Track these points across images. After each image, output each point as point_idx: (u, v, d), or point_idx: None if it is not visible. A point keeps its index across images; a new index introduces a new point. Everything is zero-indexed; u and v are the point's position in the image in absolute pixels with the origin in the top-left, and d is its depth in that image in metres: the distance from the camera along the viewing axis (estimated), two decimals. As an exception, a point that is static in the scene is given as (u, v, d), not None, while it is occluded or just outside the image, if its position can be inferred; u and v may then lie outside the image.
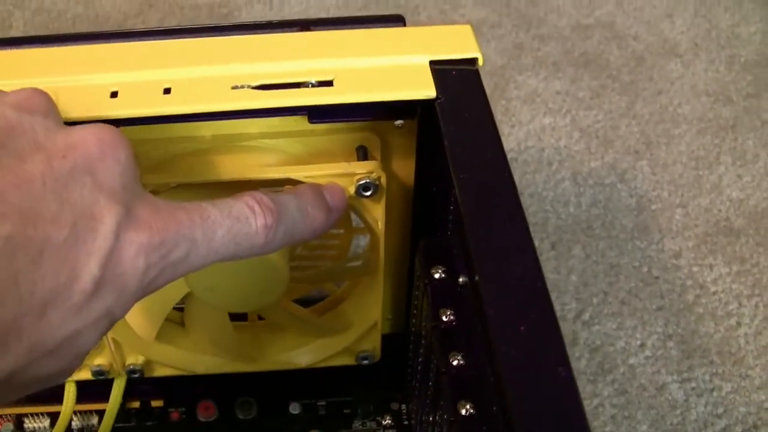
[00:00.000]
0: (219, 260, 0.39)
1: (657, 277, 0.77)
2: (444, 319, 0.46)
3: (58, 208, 0.33)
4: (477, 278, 0.37)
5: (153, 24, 1.04)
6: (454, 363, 0.44)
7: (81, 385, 0.60)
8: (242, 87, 0.45)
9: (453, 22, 1.00)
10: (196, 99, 0.45)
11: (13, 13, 1.07)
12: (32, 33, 1.05)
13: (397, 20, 0.52)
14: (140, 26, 1.04)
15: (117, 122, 0.45)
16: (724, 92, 0.97)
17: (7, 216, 0.31)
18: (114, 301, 0.34)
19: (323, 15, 1.02)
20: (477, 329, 0.43)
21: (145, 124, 0.45)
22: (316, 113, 0.46)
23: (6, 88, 0.38)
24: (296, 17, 1.03)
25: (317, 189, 0.45)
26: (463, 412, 0.42)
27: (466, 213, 0.39)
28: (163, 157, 0.50)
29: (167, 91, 0.45)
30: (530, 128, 0.90)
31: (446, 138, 0.43)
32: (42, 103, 0.37)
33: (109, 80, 0.46)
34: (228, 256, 0.39)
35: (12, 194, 0.32)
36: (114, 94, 0.45)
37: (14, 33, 1.05)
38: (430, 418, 0.52)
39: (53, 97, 0.39)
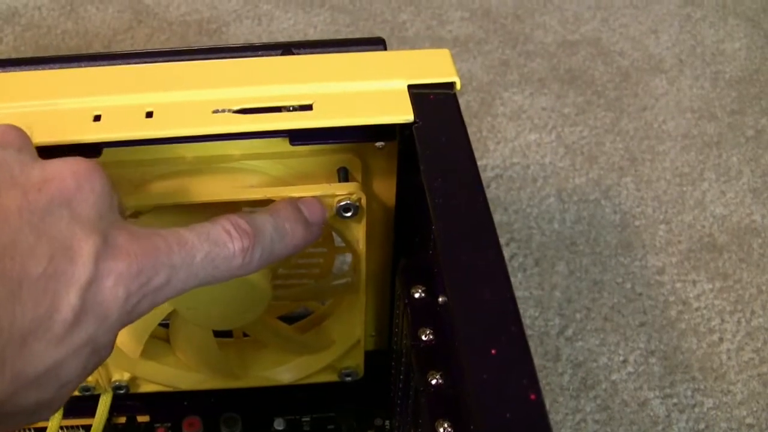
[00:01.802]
0: (199, 284, 0.40)
1: (640, 294, 0.77)
2: (423, 338, 0.47)
3: (36, 240, 0.33)
4: (449, 300, 0.37)
5: (142, 40, 1.05)
6: (433, 382, 0.45)
7: (68, 400, 0.60)
8: (223, 111, 0.46)
9: (440, 38, 1.01)
10: (177, 123, 0.45)
11: (2, 29, 1.08)
12: (22, 48, 1.05)
13: (377, 43, 0.52)
14: (129, 42, 1.05)
15: (100, 145, 0.46)
16: (709, 108, 0.98)
17: None
18: (95, 330, 0.34)
19: (311, 31, 1.03)
20: (453, 350, 0.44)
21: (128, 146, 0.46)
22: (297, 136, 0.47)
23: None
24: (284, 33, 1.04)
25: (293, 204, 0.45)
26: (441, 430, 0.42)
27: (440, 236, 0.40)
28: (144, 179, 0.50)
29: (149, 114, 0.46)
30: (515, 144, 0.91)
31: (422, 162, 0.43)
32: (16, 139, 0.37)
33: (92, 104, 0.46)
34: (207, 280, 0.40)
35: None
36: (97, 118, 0.46)
37: (3, 48, 1.05)
38: None
39: (37, 120, 0.40)
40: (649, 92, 1.00)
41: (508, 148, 0.90)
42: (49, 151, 0.45)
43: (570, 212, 0.84)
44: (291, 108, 0.47)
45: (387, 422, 0.64)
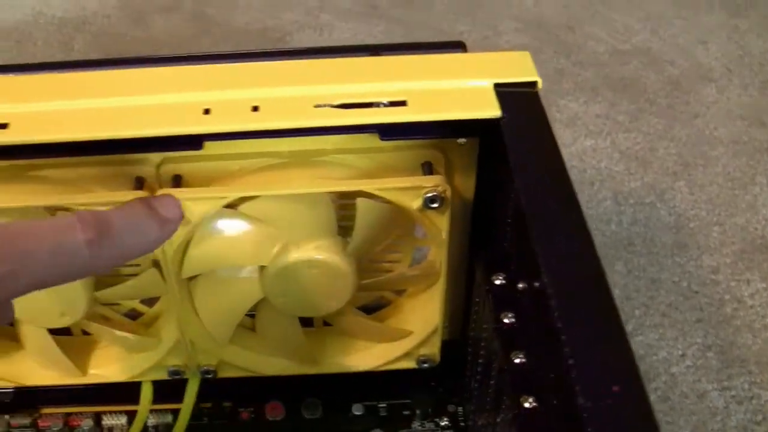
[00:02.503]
0: (49, 276, 0.40)
1: (696, 292, 0.80)
2: (505, 321, 0.50)
3: None
4: (547, 284, 0.40)
5: (207, 48, 1.09)
6: (516, 361, 0.48)
7: (156, 385, 0.64)
8: (324, 106, 0.49)
9: (496, 48, 1.04)
10: (282, 116, 0.49)
11: (73, 36, 1.12)
12: (92, 55, 1.10)
13: (457, 46, 0.56)
14: (196, 50, 1.08)
15: (201, 138, 0.50)
16: (758, 116, 1.01)
17: None
18: None
19: (370, 41, 1.07)
20: (535, 330, 0.47)
21: (234, 139, 0.50)
22: (389, 131, 0.50)
23: (112, 104, 0.43)
24: (345, 43, 1.07)
25: (145, 201, 0.46)
26: (526, 405, 0.46)
27: (533, 226, 0.43)
28: (242, 171, 0.54)
29: (255, 108, 0.50)
30: (572, 150, 0.94)
31: (511, 154, 0.47)
32: None
33: (202, 98, 0.50)
34: (56, 273, 0.40)
35: None
36: (207, 111, 0.50)
37: (75, 55, 1.10)
38: (489, 420, 0.55)
39: (150, 113, 0.46)
40: (700, 100, 1.03)
41: (565, 154, 0.91)
42: (161, 143, 0.50)
43: (626, 214, 0.87)
44: (383, 104, 0.50)
45: (460, 408, 0.66)
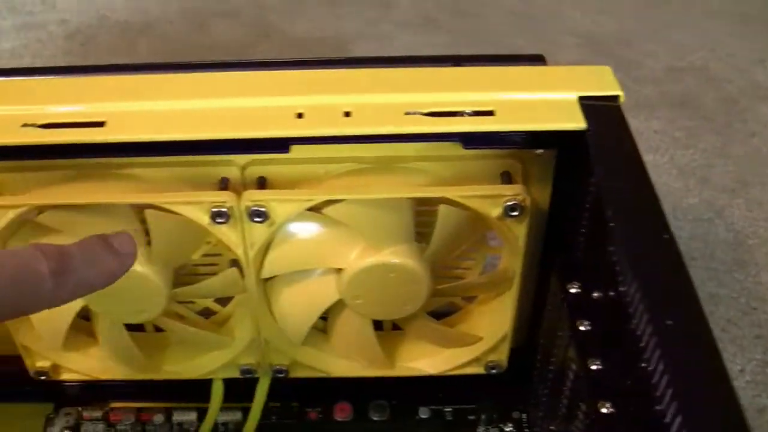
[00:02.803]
0: (12, 307, 0.39)
1: (755, 308, 0.81)
2: (581, 329, 0.51)
3: None
4: (631, 297, 0.42)
5: (269, 55, 1.10)
6: (593, 367, 0.49)
7: (227, 382, 0.65)
8: (415, 113, 0.51)
9: (555, 63, 1.05)
10: (374, 122, 0.50)
11: (137, 40, 1.14)
12: (156, 59, 1.11)
13: (537, 59, 0.57)
14: (258, 57, 1.10)
15: (289, 141, 0.51)
16: (816, 136, 1.01)
17: None
18: None
19: (429, 53, 1.08)
20: (612, 337, 0.48)
21: (325, 143, 0.51)
22: (473, 140, 0.51)
23: (205, 106, 0.46)
24: (404, 53, 1.08)
25: (103, 237, 0.46)
26: (603, 410, 0.46)
27: (619, 234, 0.44)
28: (326, 176, 0.55)
29: (347, 114, 0.51)
30: (631, 164, 0.95)
31: (598, 166, 0.47)
32: None
33: (295, 102, 0.51)
34: (20, 304, 0.40)
35: None
36: (300, 115, 0.51)
37: (138, 58, 1.11)
38: (558, 427, 0.56)
39: (244, 116, 0.48)
40: (757, 119, 1.03)
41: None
42: (250, 145, 0.51)
43: (685, 230, 0.88)
44: (467, 113, 0.51)
45: (524, 415, 0.67)
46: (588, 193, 0.51)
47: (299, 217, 0.54)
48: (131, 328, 0.62)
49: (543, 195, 0.56)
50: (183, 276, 0.61)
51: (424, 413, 0.68)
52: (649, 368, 0.41)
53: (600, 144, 0.49)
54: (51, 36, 1.15)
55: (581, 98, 0.52)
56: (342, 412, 0.68)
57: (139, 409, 0.68)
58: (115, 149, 0.51)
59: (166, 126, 0.51)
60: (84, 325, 0.64)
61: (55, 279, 0.40)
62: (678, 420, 0.37)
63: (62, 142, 0.50)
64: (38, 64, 1.10)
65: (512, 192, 0.52)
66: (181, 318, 0.64)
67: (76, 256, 0.42)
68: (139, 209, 0.55)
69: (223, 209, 0.52)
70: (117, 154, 0.52)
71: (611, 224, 0.45)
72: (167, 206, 0.53)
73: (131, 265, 0.46)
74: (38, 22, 1.17)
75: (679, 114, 1.02)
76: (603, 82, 0.53)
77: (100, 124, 0.51)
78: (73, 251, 0.42)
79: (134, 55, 1.12)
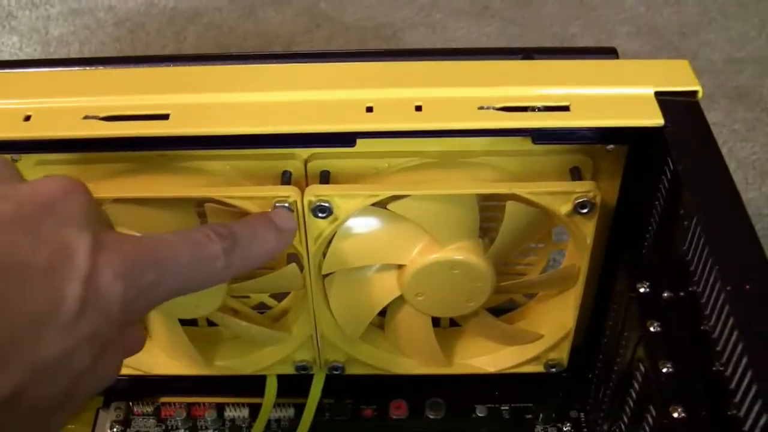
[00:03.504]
0: (187, 286, 0.42)
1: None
2: (651, 330, 0.49)
3: (34, 242, 0.35)
4: (724, 292, 0.40)
5: (320, 43, 1.09)
6: (664, 370, 0.47)
7: (281, 378, 0.64)
8: (488, 108, 0.49)
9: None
10: (446, 117, 0.49)
11: (185, 28, 1.13)
12: (204, 47, 1.11)
13: (610, 52, 0.55)
14: (308, 44, 1.09)
15: (356, 135, 0.50)
16: None
17: None
18: (100, 323, 0.36)
19: (483, 40, 1.07)
20: (685, 340, 0.47)
21: (395, 137, 0.50)
22: (544, 135, 0.50)
23: (269, 99, 0.47)
24: (457, 42, 1.08)
25: (264, 214, 0.49)
26: (675, 415, 0.45)
27: (705, 231, 0.43)
28: (389, 170, 0.54)
29: (419, 108, 0.50)
30: (688, 158, 0.93)
31: (678, 163, 0.46)
32: (4, 167, 0.40)
33: (364, 96, 0.50)
34: (195, 282, 0.42)
35: None
36: (369, 109, 0.50)
37: (187, 47, 1.11)
38: (620, 429, 0.55)
39: (313, 110, 0.48)
40: (818, 112, 1.01)
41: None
42: (314, 138, 0.50)
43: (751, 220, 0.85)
44: (538, 108, 0.50)
45: (582, 415, 0.66)
46: (659, 190, 0.51)
47: (362, 212, 0.53)
48: (183, 322, 0.62)
49: (611, 191, 0.55)
50: None
51: (481, 411, 0.67)
52: (727, 372, 0.40)
53: (679, 140, 0.48)
54: (99, 23, 1.14)
55: (657, 93, 0.50)
56: (398, 410, 0.67)
57: (191, 405, 0.68)
58: (179, 142, 0.50)
59: (230, 119, 0.50)
60: None
61: (226, 257, 0.43)
62: (761, 424, 0.37)
63: (125, 135, 0.50)
64: (86, 51, 1.09)
65: (583, 189, 0.51)
66: (235, 313, 0.63)
67: (244, 233, 0.45)
68: (199, 203, 0.54)
69: (287, 204, 0.51)
70: (180, 147, 0.51)
71: (689, 222, 0.45)
72: (229, 201, 0.52)
73: (290, 241, 0.50)
74: (86, 9, 1.16)
75: (737, 106, 1.00)
76: (680, 77, 0.52)
77: (164, 117, 0.50)
78: (242, 230, 0.45)
79: (182, 43, 1.11)
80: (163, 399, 0.68)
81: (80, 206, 0.38)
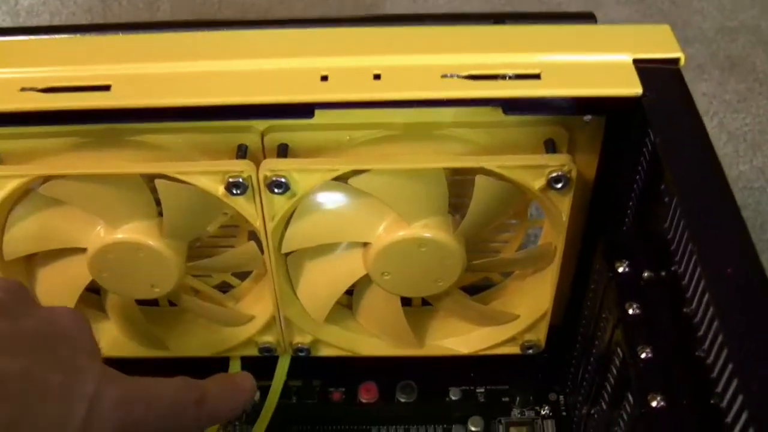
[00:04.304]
0: (162, 427, 0.44)
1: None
2: (630, 312, 0.47)
3: (53, 358, 0.39)
4: (703, 272, 0.37)
5: (298, 11, 1.06)
6: (642, 356, 0.45)
7: (245, 361, 0.62)
8: (452, 76, 0.46)
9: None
10: (407, 86, 0.46)
11: (159, -4, 1.09)
12: (179, 16, 1.07)
13: (588, 17, 0.52)
14: (286, 13, 1.05)
15: (314, 106, 0.47)
16: None
17: (20, 355, 0.38)
18: None
19: (467, 10, 1.03)
20: (666, 324, 0.44)
21: (352, 108, 0.47)
22: (516, 105, 0.47)
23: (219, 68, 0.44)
24: (441, 9, 1.04)
25: (230, 376, 0.53)
26: (654, 404, 0.42)
27: (685, 209, 0.40)
28: (352, 143, 0.51)
29: (377, 77, 0.46)
30: (677, 129, 0.90)
31: (656, 134, 0.43)
32: (14, 285, 0.43)
33: (319, 64, 0.47)
34: (168, 426, 0.45)
35: (19, 342, 0.38)
36: (324, 78, 0.47)
37: (161, 16, 1.07)
38: (599, 414, 0.52)
39: (263, 78, 0.45)
40: (813, 82, 0.98)
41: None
42: (269, 110, 0.47)
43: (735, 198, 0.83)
44: (509, 76, 0.47)
45: (561, 397, 0.63)
46: (640, 164, 0.48)
47: (323, 187, 0.51)
48: (144, 302, 0.59)
49: (589, 165, 0.52)
50: (199, 249, 0.58)
51: (454, 394, 0.64)
52: (708, 360, 0.38)
53: (658, 111, 0.44)
54: (71, -8, 1.11)
55: (636, 60, 0.47)
56: (367, 393, 0.64)
57: None
58: (122, 115, 0.47)
59: (177, 89, 0.47)
60: (94, 299, 0.61)
61: (197, 409, 0.45)
62: (744, 417, 0.34)
63: (64, 108, 0.47)
64: (56, 22, 1.06)
65: (557, 162, 0.48)
66: (196, 292, 0.60)
67: (212, 390, 0.47)
68: (151, 179, 0.51)
69: (240, 179, 0.48)
70: (124, 120, 0.48)
71: (669, 198, 0.42)
72: (179, 176, 0.49)
73: (249, 401, 0.52)
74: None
75: (729, 76, 0.97)
76: (661, 43, 0.48)
77: (106, 88, 0.47)
78: (210, 385, 0.48)
79: (156, 13, 1.07)
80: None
81: (88, 336, 0.43)
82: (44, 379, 0.38)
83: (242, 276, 0.61)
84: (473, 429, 0.62)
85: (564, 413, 0.63)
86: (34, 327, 0.40)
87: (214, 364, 0.61)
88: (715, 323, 0.37)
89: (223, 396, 0.49)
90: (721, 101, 0.94)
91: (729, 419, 0.35)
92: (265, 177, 0.48)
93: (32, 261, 0.57)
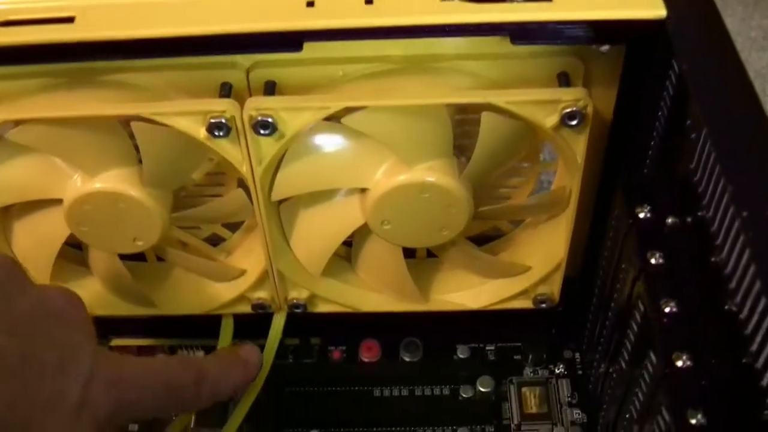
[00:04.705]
0: (158, 409, 0.46)
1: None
2: (652, 261, 0.43)
3: (48, 338, 0.39)
4: (741, 218, 0.33)
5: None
6: (666, 310, 0.41)
7: (239, 319, 0.59)
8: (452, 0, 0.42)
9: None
10: (402, 11, 0.42)
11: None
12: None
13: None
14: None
15: (303, 36, 0.43)
16: None
17: (15, 335, 0.38)
18: (90, 426, 0.39)
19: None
20: (692, 275, 0.41)
21: (342, 39, 0.43)
22: (525, 33, 0.43)
23: None
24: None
25: (233, 350, 0.54)
26: (679, 363, 0.39)
27: (716, 142, 0.36)
28: (346, 79, 0.48)
29: (369, 1, 0.43)
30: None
31: (683, 62, 0.39)
32: (9, 262, 0.42)
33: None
34: (165, 407, 0.48)
35: (14, 321, 0.39)
36: (310, 4, 0.43)
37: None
38: (618, 373, 0.49)
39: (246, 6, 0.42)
40: (841, 16, 0.93)
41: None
42: (253, 43, 0.44)
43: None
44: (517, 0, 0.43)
45: (577, 355, 0.60)
46: (663, 99, 0.44)
47: (314, 128, 0.48)
48: (131, 257, 0.56)
49: (606, 100, 0.48)
50: (185, 199, 0.55)
51: (462, 353, 0.61)
52: (741, 314, 0.34)
53: (684, 35, 0.40)
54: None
55: (659, -21, 0.43)
56: (369, 352, 0.62)
57: (140, 348, 0.63)
58: (88, 50, 0.44)
59: (149, 20, 0.44)
60: (75, 254, 0.58)
61: (195, 388, 0.47)
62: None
63: (20, 43, 0.43)
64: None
65: (571, 97, 0.44)
66: (184, 246, 0.58)
67: (213, 371, 0.49)
68: (129, 123, 0.48)
69: (223, 120, 0.45)
70: (91, 56, 0.45)
71: (697, 134, 0.38)
72: (157, 118, 0.46)
73: (256, 375, 0.53)
74: None
75: (753, 12, 0.93)
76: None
77: (69, 20, 0.44)
78: (212, 367, 0.49)
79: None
80: (114, 342, 0.63)
81: (83, 316, 0.43)
82: (40, 358, 0.38)
83: (233, 228, 0.59)
84: (482, 389, 0.59)
85: (580, 372, 0.60)
86: (28, 306, 0.40)
87: (207, 322, 0.59)
88: (750, 271, 0.33)
89: (224, 373, 0.50)
90: (746, 38, 0.90)
91: (765, 382, 0.33)
92: (250, 117, 0.45)
93: (8, 214, 0.54)
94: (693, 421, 0.36)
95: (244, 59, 0.46)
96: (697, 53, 0.40)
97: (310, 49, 0.44)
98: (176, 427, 0.55)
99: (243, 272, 0.57)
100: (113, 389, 0.41)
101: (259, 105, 0.45)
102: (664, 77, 0.43)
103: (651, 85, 0.44)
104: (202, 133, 0.46)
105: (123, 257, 0.55)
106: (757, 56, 0.87)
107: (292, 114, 0.45)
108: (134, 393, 0.42)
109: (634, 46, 0.45)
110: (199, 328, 0.60)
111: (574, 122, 0.45)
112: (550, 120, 0.45)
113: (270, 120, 0.45)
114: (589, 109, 0.44)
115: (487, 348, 0.61)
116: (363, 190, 0.51)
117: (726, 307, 0.36)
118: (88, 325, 0.42)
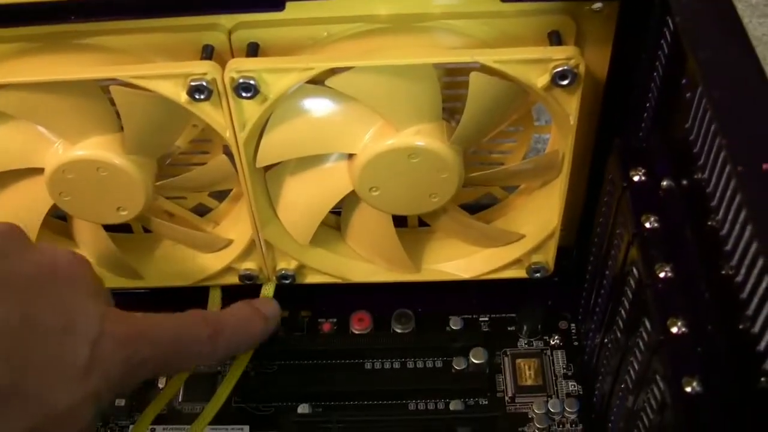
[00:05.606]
0: (172, 366, 0.48)
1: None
2: (647, 225, 0.43)
3: (53, 301, 0.39)
4: (738, 179, 0.33)
5: None
6: (661, 275, 0.41)
7: (227, 290, 0.58)
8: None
9: None
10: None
11: None
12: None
13: None
14: None
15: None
16: None
17: (17, 300, 0.38)
18: (102, 385, 0.39)
19: None
20: (687, 238, 0.40)
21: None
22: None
23: None
24: None
25: (251, 302, 0.53)
26: (674, 330, 0.38)
27: (711, 98, 0.35)
28: (331, 39, 0.47)
29: None
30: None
31: (679, 16, 0.38)
32: (18, 230, 0.42)
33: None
34: (179, 364, 0.48)
35: (16, 284, 0.38)
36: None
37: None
38: (614, 342, 0.48)
39: None
40: None
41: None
42: (234, 2, 0.44)
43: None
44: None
45: (572, 325, 0.59)
46: (658, 58, 0.44)
47: (299, 91, 0.46)
48: (117, 228, 0.55)
49: (599, 60, 0.47)
50: (170, 167, 0.54)
51: (455, 324, 0.60)
52: (738, 278, 0.34)
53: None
54: None
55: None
56: (360, 323, 0.60)
57: None
58: (59, 12, 0.43)
59: None
60: (60, 225, 0.58)
61: (212, 343, 0.47)
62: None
63: None
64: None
65: (563, 55, 0.43)
66: (170, 216, 0.56)
67: (231, 323, 0.50)
68: (106, 87, 0.47)
69: (204, 83, 0.44)
70: (61, 18, 0.44)
71: (692, 93, 0.37)
72: (136, 81, 0.44)
73: (272, 328, 0.53)
74: None
75: (755, -24, 0.91)
76: None
77: None
78: (230, 319, 0.50)
79: None
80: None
81: (89, 278, 0.42)
82: (44, 322, 0.38)
83: (220, 198, 0.58)
84: (476, 361, 0.57)
85: (575, 343, 0.59)
86: (33, 269, 0.40)
87: (194, 294, 0.58)
88: (747, 232, 0.32)
89: (240, 326, 0.50)
90: (746, 5, 0.88)
91: (762, 347, 0.32)
92: (232, 79, 0.44)
93: (-11, 184, 0.53)
94: (688, 389, 0.36)
95: (226, 20, 0.46)
96: (694, 7, 0.38)
97: (293, 8, 0.44)
98: (166, 395, 0.54)
99: (230, 242, 0.56)
100: (125, 347, 0.41)
101: (240, 66, 0.44)
102: (659, 35, 0.42)
103: (645, 44, 0.44)
104: (183, 96, 0.45)
105: (109, 229, 0.55)
106: (757, 23, 0.85)
107: (274, 76, 0.44)
108: (147, 350, 0.42)
109: (628, 3, 0.44)
110: (186, 301, 0.58)
111: (565, 82, 0.44)
112: (541, 80, 0.44)
113: (252, 82, 0.44)
114: (581, 68, 0.43)
115: (481, 319, 0.60)
116: (350, 156, 0.50)
117: (722, 271, 0.35)
118: (96, 285, 0.42)
